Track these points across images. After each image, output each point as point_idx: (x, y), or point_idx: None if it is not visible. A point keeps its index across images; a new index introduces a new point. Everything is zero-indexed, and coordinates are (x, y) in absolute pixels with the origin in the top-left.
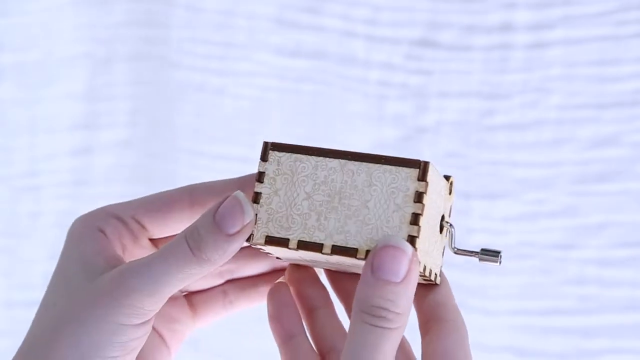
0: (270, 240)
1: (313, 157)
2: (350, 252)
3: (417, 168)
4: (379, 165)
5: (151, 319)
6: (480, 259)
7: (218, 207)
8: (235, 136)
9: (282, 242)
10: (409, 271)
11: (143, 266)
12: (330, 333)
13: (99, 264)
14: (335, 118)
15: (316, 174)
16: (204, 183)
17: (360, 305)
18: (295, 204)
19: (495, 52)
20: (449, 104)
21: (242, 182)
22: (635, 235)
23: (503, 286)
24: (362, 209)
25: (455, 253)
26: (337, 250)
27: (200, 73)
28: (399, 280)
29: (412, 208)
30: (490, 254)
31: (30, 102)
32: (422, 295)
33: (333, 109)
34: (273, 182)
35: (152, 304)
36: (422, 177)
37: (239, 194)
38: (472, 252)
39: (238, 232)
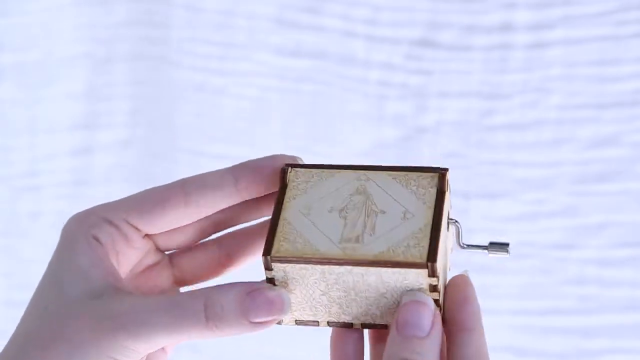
0: (301, 322)
1: (318, 265)
2: (381, 326)
3: (425, 268)
4: (386, 268)
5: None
6: (490, 252)
7: (252, 290)
8: (235, 136)
9: (312, 323)
10: (433, 324)
11: (149, 314)
12: None
13: (96, 277)
14: (335, 118)
15: (325, 278)
16: (196, 177)
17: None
18: (314, 299)
19: (495, 52)
20: (448, 104)
21: (235, 172)
22: (635, 235)
23: (503, 286)
24: (380, 298)
25: (464, 248)
26: (367, 325)
27: (200, 73)
28: (424, 335)
29: (430, 296)
30: (499, 247)
31: (30, 102)
32: (450, 345)
33: (333, 109)
34: (285, 285)
35: (147, 350)
36: (432, 274)
37: (285, 295)
38: (480, 246)
39: (265, 322)
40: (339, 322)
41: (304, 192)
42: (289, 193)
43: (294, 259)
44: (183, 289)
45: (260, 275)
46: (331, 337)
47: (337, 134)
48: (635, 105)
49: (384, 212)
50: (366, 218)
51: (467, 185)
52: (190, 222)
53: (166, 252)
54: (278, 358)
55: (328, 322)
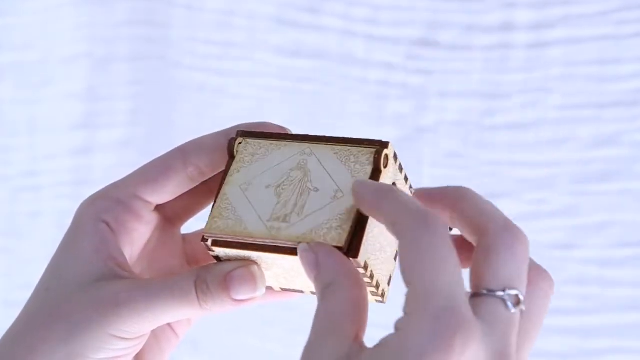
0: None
1: (253, 252)
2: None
3: (342, 252)
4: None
5: (145, 334)
6: None
7: (232, 270)
8: None
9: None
10: (318, 264)
11: (147, 292)
12: None
13: (97, 262)
14: (335, 118)
15: (262, 260)
16: (194, 140)
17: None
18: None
19: (495, 51)
20: (449, 103)
21: (229, 135)
22: (636, 234)
23: None
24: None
25: None
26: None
27: (200, 73)
28: (315, 271)
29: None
30: None
31: (29, 101)
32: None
33: (333, 109)
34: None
35: (146, 327)
36: (352, 256)
37: (255, 270)
38: None
39: (245, 300)
40: (290, 289)
41: (249, 165)
42: (234, 165)
43: (224, 236)
44: None
45: None
46: None
47: (337, 134)
48: (636, 105)
49: (317, 190)
50: (299, 196)
51: (467, 185)
52: (194, 185)
53: (180, 230)
54: (277, 355)
55: (281, 288)
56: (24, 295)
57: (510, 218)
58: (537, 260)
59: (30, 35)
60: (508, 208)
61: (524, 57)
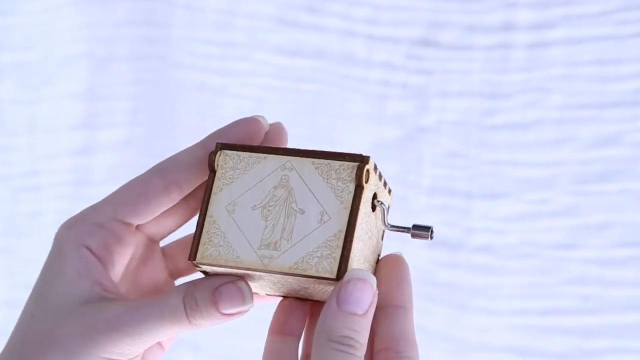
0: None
1: (241, 270)
2: (313, 300)
3: (335, 282)
4: (300, 277)
5: (139, 354)
6: (412, 235)
7: (220, 285)
8: None
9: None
10: (371, 304)
11: (137, 313)
12: None
13: (83, 287)
14: (336, 118)
15: (249, 275)
16: (171, 158)
17: (328, 335)
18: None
19: (496, 51)
20: (449, 103)
21: (205, 145)
22: (637, 234)
23: (505, 286)
24: (304, 289)
25: (389, 229)
26: (300, 298)
27: (201, 73)
28: (363, 313)
29: None
30: (421, 230)
31: (30, 102)
32: (382, 319)
33: (333, 109)
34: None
35: (138, 348)
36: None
37: (243, 284)
38: (404, 228)
39: (233, 314)
40: (275, 294)
41: (231, 182)
42: (217, 182)
43: (216, 265)
44: (178, 281)
45: None
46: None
47: (338, 134)
48: (637, 105)
49: (302, 212)
50: (285, 220)
51: (468, 185)
52: (175, 202)
53: (159, 243)
54: None
55: (267, 294)
56: (24, 295)
57: (512, 218)
58: (538, 260)
59: (30, 35)
60: (509, 208)
61: (525, 57)
